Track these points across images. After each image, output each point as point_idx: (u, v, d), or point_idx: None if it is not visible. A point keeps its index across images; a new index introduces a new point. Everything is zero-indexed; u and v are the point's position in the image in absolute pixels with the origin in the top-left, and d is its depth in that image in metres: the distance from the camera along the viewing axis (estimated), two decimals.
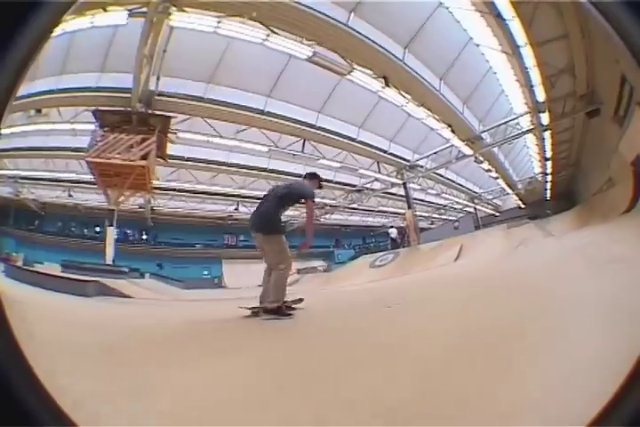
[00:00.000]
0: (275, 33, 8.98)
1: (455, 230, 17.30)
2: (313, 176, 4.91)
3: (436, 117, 13.21)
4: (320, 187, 4.90)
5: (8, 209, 15.70)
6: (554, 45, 11.02)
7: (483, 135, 15.23)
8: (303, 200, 4.45)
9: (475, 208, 22.76)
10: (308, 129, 14.22)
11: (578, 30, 10.47)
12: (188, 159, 15.70)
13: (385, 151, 16.25)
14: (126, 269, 12.16)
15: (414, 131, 15.85)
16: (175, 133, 12.47)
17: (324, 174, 17.21)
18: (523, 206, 22.45)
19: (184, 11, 8.32)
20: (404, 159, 17.08)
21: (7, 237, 14.72)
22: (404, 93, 12.30)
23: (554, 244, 8.44)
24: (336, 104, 14.38)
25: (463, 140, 14.84)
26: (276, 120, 13.38)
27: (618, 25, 0.89)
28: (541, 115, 13.20)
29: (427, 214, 24.80)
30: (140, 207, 17.98)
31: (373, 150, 15.89)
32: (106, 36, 10.02)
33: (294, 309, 4.35)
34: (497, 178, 18.91)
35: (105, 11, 8.34)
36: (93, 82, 10.78)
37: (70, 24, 8.16)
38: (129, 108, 10.79)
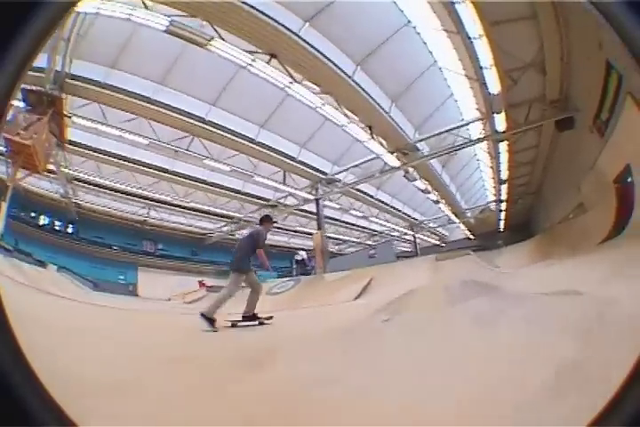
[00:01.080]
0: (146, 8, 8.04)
1: (370, 259, 13.95)
2: (264, 219, 6.26)
3: (346, 112, 9.62)
4: (274, 222, 6.55)
5: None
6: (517, 28, 8.28)
7: (419, 145, 11.80)
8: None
9: (414, 236, 19.50)
10: (197, 123, 11.54)
11: (551, 12, 7.77)
12: (96, 150, 13.53)
13: (293, 159, 12.61)
14: (10, 248, 11.95)
15: (335, 138, 12.34)
16: (70, 117, 11.69)
17: (214, 178, 14.16)
18: (472, 237, 20.38)
19: None
20: (321, 171, 13.50)
21: None
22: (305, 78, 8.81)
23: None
24: (234, 97, 11.53)
25: (391, 151, 11.33)
26: (158, 110, 11.13)
27: (618, 25, 0.89)
28: (496, 117, 10.00)
29: (358, 240, 21.56)
30: (62, 197, 17.08)
31: (278, 156, 12.30)
32: None
33: (264, 323, 5.68)
34: (437, 202, 15.63)
35: None
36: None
37: None
38: (40, 89, 10.85)
